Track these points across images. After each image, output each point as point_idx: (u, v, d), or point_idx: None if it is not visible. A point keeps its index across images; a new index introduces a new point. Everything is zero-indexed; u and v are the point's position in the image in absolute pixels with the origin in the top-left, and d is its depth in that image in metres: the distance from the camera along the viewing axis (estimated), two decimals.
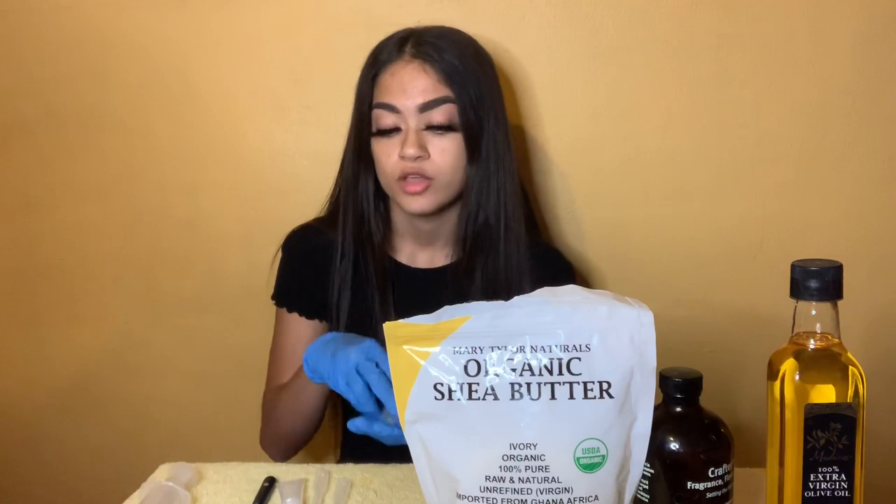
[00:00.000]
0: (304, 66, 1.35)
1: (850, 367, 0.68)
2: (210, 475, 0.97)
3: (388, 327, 0.72)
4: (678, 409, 0.73)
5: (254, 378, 1.26)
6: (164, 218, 1.41)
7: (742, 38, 1.28)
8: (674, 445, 0.71)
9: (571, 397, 0.69)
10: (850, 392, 0.68)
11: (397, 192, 1.08)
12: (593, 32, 1.29)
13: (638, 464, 0.71)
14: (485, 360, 0.70)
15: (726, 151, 1.31)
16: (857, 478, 0.69)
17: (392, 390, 0.83)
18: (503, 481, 0.69)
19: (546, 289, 0.73)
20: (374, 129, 1.09)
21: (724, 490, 0.72)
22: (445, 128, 1.06)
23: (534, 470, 0.69)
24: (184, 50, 1.36)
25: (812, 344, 0.69)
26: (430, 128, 1.06)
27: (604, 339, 0.69)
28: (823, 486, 0.69)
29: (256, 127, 1.37)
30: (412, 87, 1.05)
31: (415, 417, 0.71)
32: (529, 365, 0.69)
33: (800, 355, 0.69)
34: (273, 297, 1.18)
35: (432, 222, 1.14)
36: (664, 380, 0.73)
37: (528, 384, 0.69)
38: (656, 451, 0.71)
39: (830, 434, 0.68)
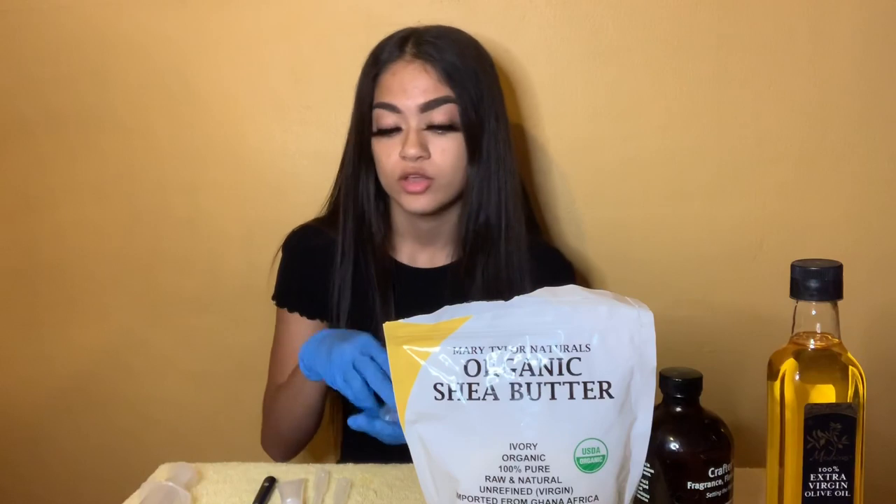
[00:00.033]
0: (304, 66, 1.35)
1: (850, 367, 0.68)
2: (210, 475, 0.97)
3: (388, 327, 0.72)
4: (678, 409, 0.73)
5: (254, 378, 1.26)
6: (164, 218, 1.41)
7: (742, 38, 1.28)
8: (674, 445, 0.71)
9: (571, 397, 0.69)
10: (850, 392, 0.68)
11: (398, 192, 1.08)
12: (593, 32, 1.29)
13: (638, 464, 0.71)
14: (485, 360, 0.70)
15: (726, 151, 1.31)
16: (857, 478, 0.69)
17: (390, 384, 0.84)
18: (503, 481, 0.69)
19: (546, 289, 0.73)
20: (374, 129, 1.09)
21: (724, 490, 0.72)
22: (446, 127, 1.06)
23: (534, 470, 0.69)
24: (184, 50, 1.36)
25: (812, 344, 0.69)
26: (431, 127, 1.06)
27: (604, 339, 0.69)
28: (823, 486, 0.69)
29: (256, 127, 1.37)
30: (413, 86, 1.05)
31: (415, 417, 0.71)
32: (529, 365, 0.69)
33: (800, 355, 0.69)
34: (274, 298, 1.18)
35: (433, 222, 1.14)
36: (664, 380, 0.73)
37: (528, 384, 0.69)
38: (656, 451, 0.71)
39: (830, 434, 0.68)
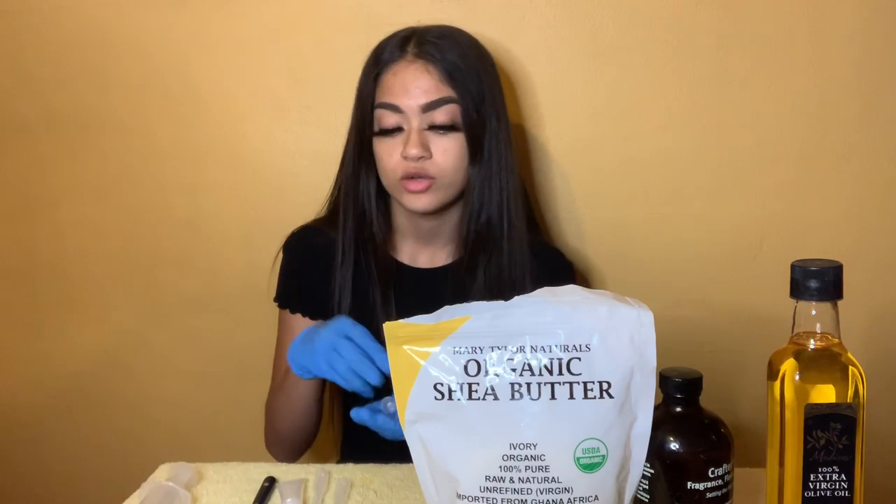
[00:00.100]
0: (304, 66, 1.35)
1: (850, 367, 0.68)
2: (210, 475, 0.97)
3: (389, 327, 0.72)
4: (678, 409, 0.73)
5: (254, 378, 1.26)
6: (164, 218, 1.41)
7: (742, 38, 1.28)
8: (674, 445, 0.71)
9: (571, 397, 0.69)
10: (850, 392, 0.68)
11: (399, 192, 1.08)
12: (593, 32, 1.29)
13: (638, 464, 0.71)
14: (485, 360, 0.70)
15: (726, 151, 1.31)
16: (857, 478, 0.69)
17: (370, 361, 0.87)
18: (503, 481, 0.69)
19: (546, 289, 0.73)
20: (376, 129, 1.09)
21: (724, 490, 0.72)
22: (448, 128, 1.06)
23: (534, 470, 0.69)
24: (184, 50, 1.36)
25: (812, 344, 0.69)
26: (433, 128, 1.06)
27: (604, 339, 0.69)
28: (823, 486, 0.69)
29: (256, 127, 1.37)
30: (415, 87, 1.05)
31: (415, 417, 0.72)
32: (529, 365, 0.69)
33: (800, 355, 0.69)
34: (276, 300, 1.18)
35: (433, 221, 1.14)
36: (664, 380, 0.73)
37: (528, 384, 0.69)
38: (656, 451, 0.71)
39: (830, 434, 0.68)
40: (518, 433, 0.69)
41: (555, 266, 1.18)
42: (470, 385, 0.70)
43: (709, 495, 0.71)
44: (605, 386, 0.69)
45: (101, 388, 1.48)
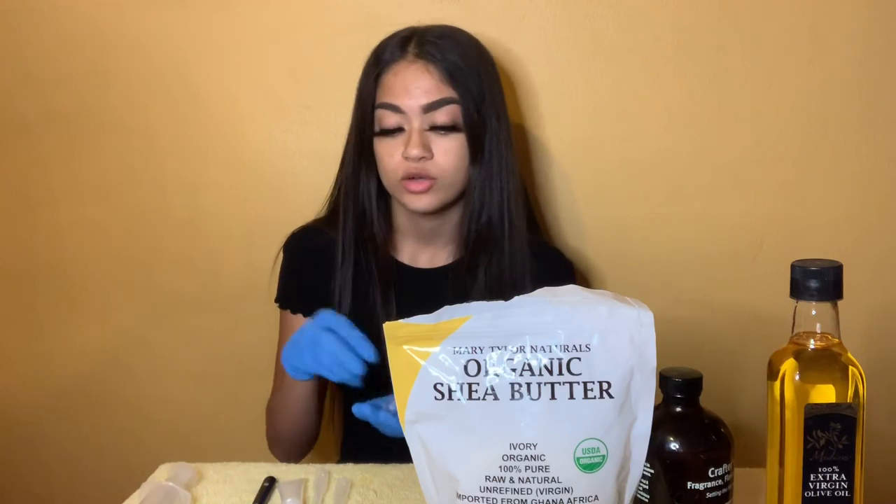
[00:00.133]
0: (304, 66, 1.34)
1: (850, 367, 0.68)
2: (210, 475, 0.97)
3: (389, 327, 0.72)
4: (678, 409, 0.73)
5: (254, 378, 1.26)
6: (164, 218, 1.41)
7: (742, 38, 1.28)
8: (674, 445, 0.71)
9: (571, 397, 0.69)
10: (850, 392, 0.68)
11: (400, 192, 1.08)
12: (593, 32, 1.29)
13: (638, 464, 0.71)
14: (485, 360, 0.70)
15: (726, 151, 1.31)
16: (857, 478, 0.69)
17: (352, 350, 0.89)
18: (503, 481, 0.69)
19: (546, 289, 0.73)
20: (376, 129, 1.09)
21: (724, 490, 0.72)
22: (449, 128, 1.06)
23: (534, 470, 0.69)
24: (184, 50, 1.36)
25: (812, 344, 0.69)
26: (434, 128, 1.06)
27: (604, 339, 0.69)
28: (823, 486, 0.69)
29: (256, 127, 1.37)
30: (415, 87, 1.05)
31: (415, 417, 0.72)
32: (529, 365, 0.69)
33: (800, 355, 0.69)
34: (277, 300, 1.18)
35: (434, 221, 1.14)
36: (664, 380, 0.73)
37: (528, 384, 0.69)
38: (656, 451, 0.71)
39: (830, 434, 0.68)
40: (518, 433, 0.69)
41: (555, 266, 1.18)
42: (470, 385, 0.70)
43: (709, 495, 0.71)
44: (605, 386, 0.69)
45: (101, 388, 1.48)
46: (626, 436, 0.70)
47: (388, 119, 1.07)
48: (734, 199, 1.33)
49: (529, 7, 1.29)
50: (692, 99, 1.30)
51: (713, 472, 0.71)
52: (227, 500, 0.92)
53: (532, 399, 0.69)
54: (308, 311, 1.16)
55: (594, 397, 0.69)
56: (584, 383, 0.69)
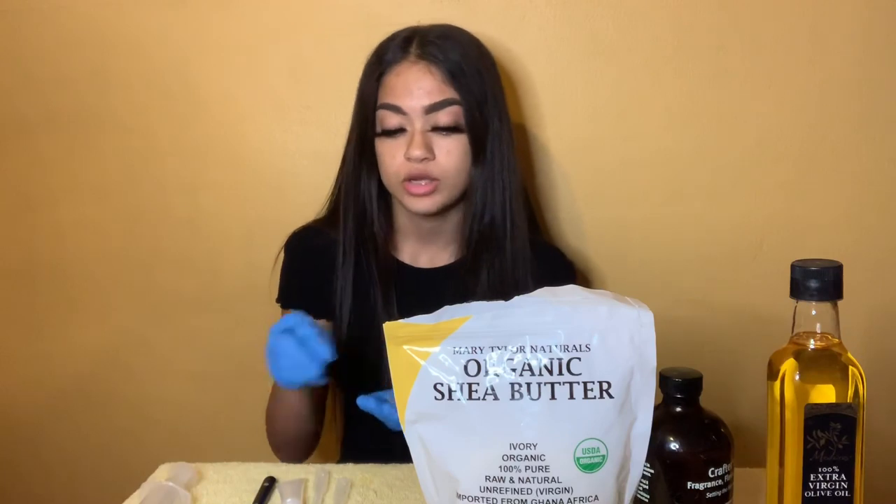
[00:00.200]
0: (304, 66, 1.34)
1: (850, 367, 0.68)
2: (210, 475, 0.97)
3: (389, 327, 0.72)
4: (678, 409, 0.73)
5: (254, 378, 1.25)
6: (164, 218, 1.41)
7: (742, 38, 1.28)
8: (674, 445, 0.71)
9: (571, 397, 0.69)
10: (850, 392, 0.68)
11: (402, 193, 1.08)
12: (593, 32, 1.29)
13: (638, 464, 0.71)
14: (485, 360, 0.70)
15: (726, 151, 1.31)
16: (857, 478, 0.69)
17: (307, 351, 0.88)
18: (503, 481, 0.69)
19: (546, 289, 0.73)
20: (378, 130, 1.09)
21: (724, 490, 0.72)
22: (451, 129, 1.06)
23: (534, 470, 0.69)
24: (184, 50, 1.36)
25: (812, 344, 0.69)
26: (436, 129, 1.06)
27: (604, 339, 0.69)
28: (823, 486, 0.69)
29: (256, 127, 1.37)
30: (418, 88, 1.05)
31: (415, 417, 0.71)
32: (529, 365, 0.69)
33: (800, 355, 0.69)
34: (278, 300, 1.18)
35: (435, 221, 1.14)
36: (664, 380, 0.73)
37: (528, 384, 0.69)
38: (656, 451, 0.71)
39: (830, 434, 0.68)
40: (518, 433, 0.69)
41: (556, 266, 1.18)
42: (470, 385, 0.70)
43: (709, 495, 0.71)
44: (605, 386, 0.69)
45: (101, 388, 1.48)
46: (626, 436, 0.70)
47: (390, 120, 1.07)
48: (734, 199, 1.33)
49: (529, 7, 1.29)
50: (692, 99, 1.30)
51: (713, 472, 0.71)
52: (227, 500, 0.92)
53: (532, 399, 0.69)
54: (309, 311, 1.16)
55: (594, 397, 0.69)
56: (584, 383, 0.69)
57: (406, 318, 0.73)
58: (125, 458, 1.47)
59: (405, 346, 0.71)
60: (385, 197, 1.14)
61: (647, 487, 0.72)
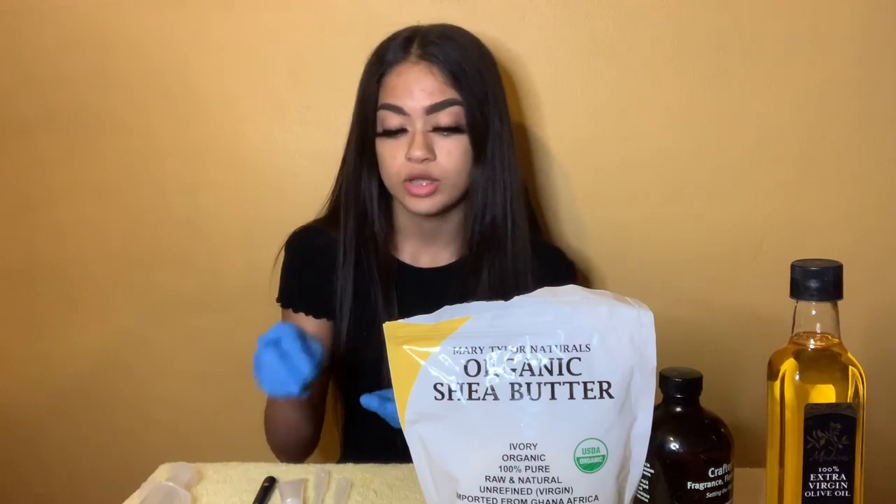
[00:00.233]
0: (304, 66, 1.34)
1: (850, 367, 0.68)
2: (210, 475, 0.97)
3: (389, 327, 0.72)
4: (678, 409, 0.73)
5: (254, 378, 1.25)
6: (164, 218, 1.41)
7: (742, 38, 1.28)
8: (674, 445, 0.71)
9: (571, 397, 0.69)
10: (850, 392, 0.68)
11: (402, 194, 1.08)
12: (593, 32, 1.29)
13: (638, 464, 0.71)
14: (485, 360, 0.70)
15: (726, 151, 1.31)
16: (857, 478, 0.69)
17: (289, 367, 0.86)
18: (503, 481, 0.69)
19: (546, 289, 0.73)
20: (379, 130, 1.08)
21: (724, 490, 0.72)
22: (452, 129, 1.06)
23: (534, 470, 0.69)
24: (184, 50, 1.36)
25: (812, 344, 0.69)
26: (437, 129, 1.06)
27: (604, 339, 0.69)
28: (823, 486, 0.69)
29: (256, 127, 1.37)
30: (419, 89, 1.05)
31: (415, 417, 0.72)
32: (529, 365, 0.69)
33: (800, 355, 0.69)
34: (279, 300, 1.18)
35: (436, 221, 1.14)
36: (664, 380, 0.73)
37: (528, 384, 0.69)
38: (656, 451, 0.71)
39: (830, 434, 0.68)
40: (518, 433, 0.69)
41: (556, 266, 1.18)
42: (470, 385, 0.70)
43: (709, 495, 0.71)
44: (605, 386, 0.69)
45: (101, 388, 1.48)
46: (626, 436, 0.70)
47: (391, 120, 1.07)
48: (734, 199, 1.33)
49: (529, 7, 1.29)
50: (692, 99, 1.30)
51: (713, 472, 0.71)
52: (227, 500, 0.92)
53: (532, 399, 0.69)
54: (310, 310, 1.16)
55: (594, 397, 0.69)
56: (584, 383, 0.69)
57: (406, 318, 0.73)
58: (125, 458, 1.47)
59: (405, 346, 0.71)
60: (386, 197, 1.14)
61: (647, 487, 0.72)
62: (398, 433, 0.84)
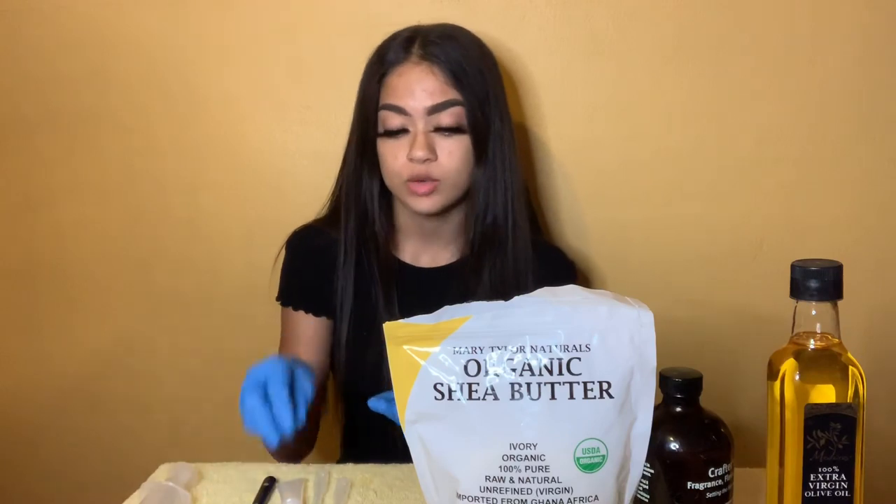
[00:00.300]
0: (304, 66, 1.34)
1: (850, 367, 0.68)
2: (210, 475, 0.97)
3: (388, 327, 0.72)
4: (678, 409, 0.73)
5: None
6: (164, 218, 1.41)
7: (742, 38, 1.28)
8: (674, 445, 0.71)
9: (571, 397, 0.69)
10: (850, 392, 0.68)
11: (404, 193, 1.08)
12: (593, 32, 1.29)
13: (638, 464, 0.71)
14: (485, 360, 0.70)
15: (726, 151, 1.31)
16: (857, 478, 0.69)
17: (270, 418, 0.83)
18: (503, 481, 0.69)
19: (546, 289, 0.73)
20: (380, 130, 1.08)
21: (724, 490, 0.72)
22: (453, 129, 1.06)
23: (534, 470, 0.69)
24: (184, 50, 1.36)
25: (812, 344, 0.69)
26: (438, 130, 1.06)
27: (604, 339, 0.69)
28: (823, 486, 0.69)
29: (256, 127, 1.37)
30: (420, 89, 1.05)
31: (415, 417, 0.71)
32: (529, 365, 0.69)
33: (800, 355, 0.69)
34: (279, 298, 1.18)
35: (437, 221, 1.14)
36: (664, 380, 0.73)
37: (528, 384, 0.69)
38: (656, 451, 0.71)
39: (830, 434, 0.68)
40: (518, 433, 0.69)
41: (557, 266, 1.18)
42: (470, 385, 0.70)
43: (709, 495, 0.71)
44: (605, 386, 0.69)
45: (101, 388, 1.48)
46: (626, 436, 0.70)
47: (393, 120, 1.07)
48: (734, 199, 1.33)
49: (529, 7, 1.29)
50: (692, 99, 1.30)
51: (713, 472, 0.71)
52: (227, 500, 0.92)
53: (532, 399, 0.69)
54: (310, 308, 1.16)
55: (594, 397, 0.69)
56: (584, 383, 0.69)
57: (406, 318, 0.73)
58: (125, 458, 1.47)
59: (405, 346, 0.71)
60: (386, 196, 1.14)
61: (647, 487, 0.72)
62: (396, 434, 0.84)
